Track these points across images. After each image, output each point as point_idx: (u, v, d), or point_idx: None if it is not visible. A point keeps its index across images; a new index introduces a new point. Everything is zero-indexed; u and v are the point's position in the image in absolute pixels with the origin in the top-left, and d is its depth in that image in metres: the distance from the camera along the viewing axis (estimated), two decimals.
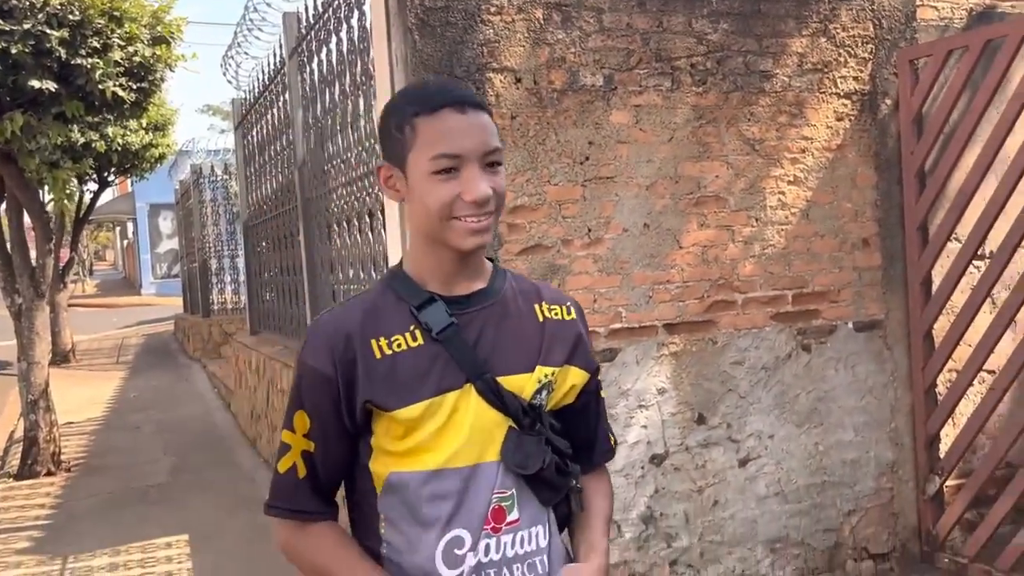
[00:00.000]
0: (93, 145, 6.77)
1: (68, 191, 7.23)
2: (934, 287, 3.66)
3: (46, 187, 7.33)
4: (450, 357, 1.27)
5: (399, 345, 1.28)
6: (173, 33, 6.44)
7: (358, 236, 4.26)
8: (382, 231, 3.70)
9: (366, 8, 3.77)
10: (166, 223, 26.10)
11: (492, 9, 3.04)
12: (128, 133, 8.20)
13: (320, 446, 1.29)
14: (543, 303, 1.40)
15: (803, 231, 3.52)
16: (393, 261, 3.29)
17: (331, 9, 4.41)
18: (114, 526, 5.17)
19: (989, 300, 3.68)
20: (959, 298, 3.60)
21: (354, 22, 4.05)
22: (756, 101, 3.43)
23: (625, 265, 3.25)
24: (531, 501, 1.31)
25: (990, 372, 3.70)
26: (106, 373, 12.29)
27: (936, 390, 3.70)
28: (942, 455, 3.68)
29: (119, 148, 8.14)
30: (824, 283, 3.57)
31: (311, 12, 4.80)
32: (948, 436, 3.71)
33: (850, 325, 3.61)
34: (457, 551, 1.26)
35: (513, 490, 1.29)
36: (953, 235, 3.59)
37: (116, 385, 11.22)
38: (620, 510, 3.21)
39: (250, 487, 5.86)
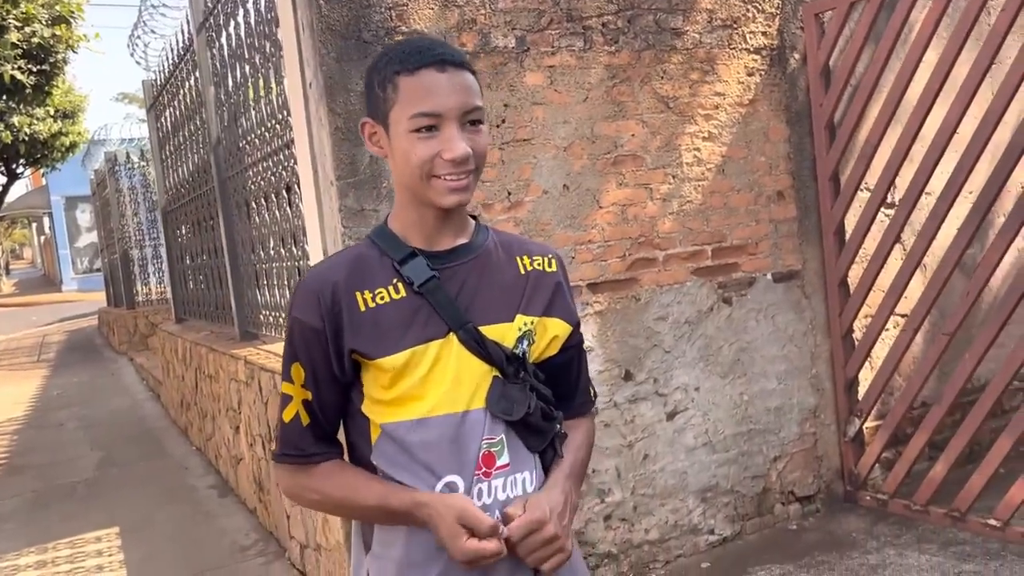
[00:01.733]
0: None
1: None
2: (847, 236, 3.77)
3: None
4: (432, 309, 1.31)
5: (382, 298, 1.32)
6: (73, 12, 6.19)
7: (276, 212, 4.17)
8: (299, 204, 3.63)
9: None
10: (84, 216, 25.22)
11: None
12: (35, 121, 7.88)
13: (316, 394, 1.34)
14: (525, 255, 1.43)
15: (719, 186, 3.58)
16: (311, 235, 3.23)
17: None
18: (40, 524, 5.01)
19: (899, 246, 3.81)
20: (871, 245, 3.71)
21: None
22: (668, 59, 3.46)
23: (546, 227, 3.26)
24: (519, 447, 1.35)
25: (903, 315, 3.83)
26: (26, 372, 11.86)
27: (853, 335, 3.82)
28: (861, 397, 3.81)
29: (26, 138, 7.82)
30: (742, 236, 3.64)
31: None
32: (866, 379, 3.84)
33: (769, 276, 3.70)
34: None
35: (502, 436, 1.33)
36: (863, 184, 3.70)
37: (38, 384, 10.84)
38: None
39: (182, 476, 5.74)
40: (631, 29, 3.39)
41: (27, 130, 7.64)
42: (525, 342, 1.37)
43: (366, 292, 1.32)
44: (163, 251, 8.51)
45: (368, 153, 2.93)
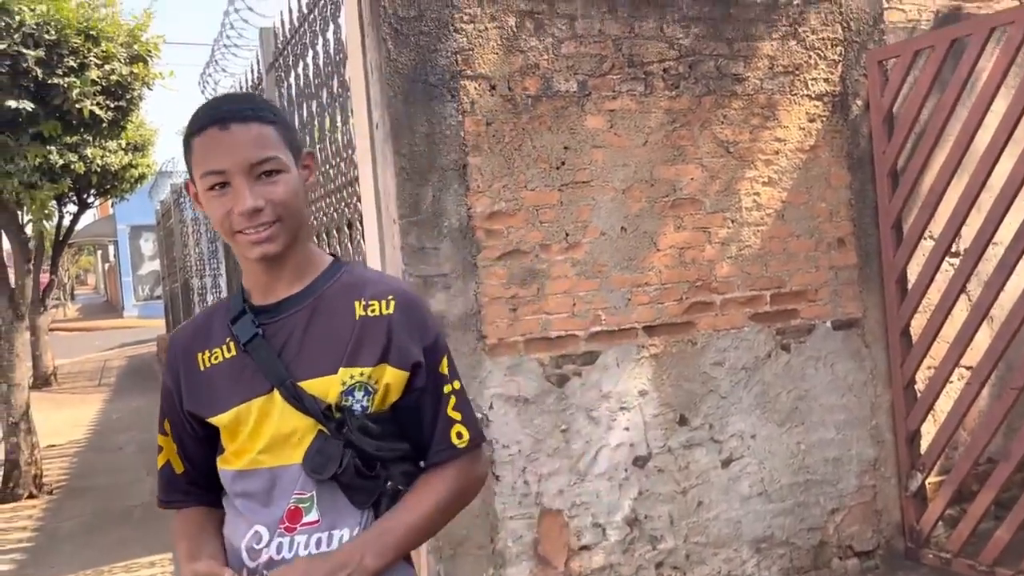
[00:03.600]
0: (72, 166, 6.75)
1: (47, 212, 7.21)
2: (910, 284, 3.70)
3: (24, 208, 7.30)
4: (257, 366, 1.35)
5: (216, 358, 1.39)
6: (150, 51, 6.44)
7: (338, 247, 4.25)
8: (361, 241, 3.71)
9: (341, 21, 3.79)
10: (147, 244, 25.96)
11: (465, 18, 3.07)
12: (107, 154, 8.16)
13: (180, 446, 1.45)
14: (363, 299, 1.37)
15: (779, 231, 3.56)
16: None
17: (307, 23, 4.43)
18: (97, 547, 5.12)
19: (964, 296, 3.73)
20: (934, 295, 3.64)
21: (330, 35, 4.06)
22: (728, 104, 3.47)
23: (603, 268, 3.27)
24: (338, 503, 1.33)
25: (968, 368, 3.73)
26: (88, 395, 12.18)
27: (915, 386, 3.73)
28: (923, 451, 3.71)
29: (98, 169, 8.11)
30: (801, 283, 3.60)
31: (287, 27, 4.81)
32: (928, 432, 3.73)
33: (828, 324, 3.64)
34: (256, 545, 1.34)
35: (313, 492, 1.32)
36: (927, 233, 3.64)
37: (98, 407, 11.12)
38: (604, 513, 3.22)
39: None
40: (692, 75, 3.41)
41: (99, 162, 7.91)
42: (360, 393, 1.33)
43: (205, 352, 1.39)
44: (222, 281, 8.73)
45: (431, 192, 2.99)
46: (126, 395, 11.96)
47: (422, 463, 1.41)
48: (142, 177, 10.99)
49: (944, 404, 3.71)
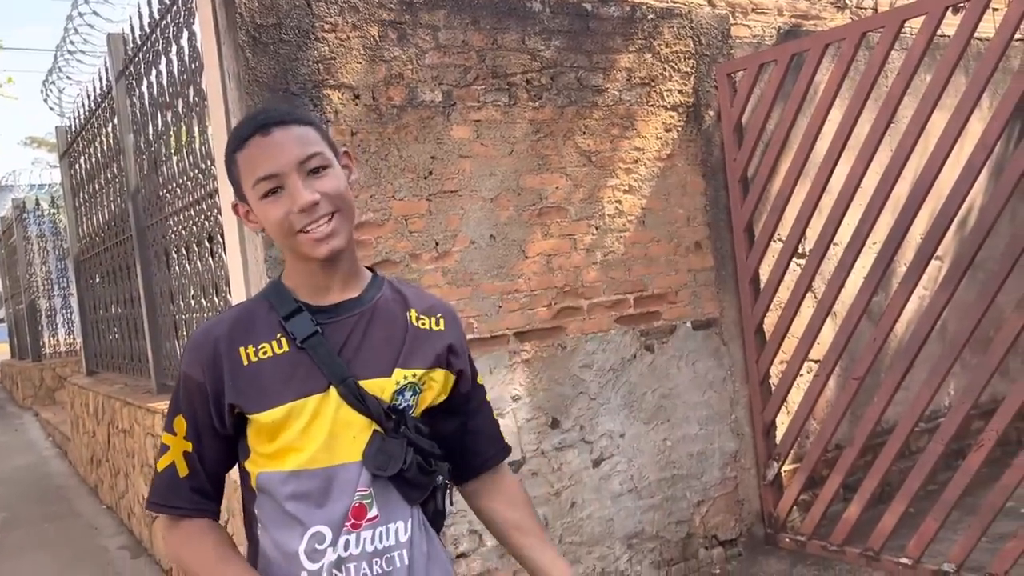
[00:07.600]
0: None
1: None
2: (762, 284, 3.92)
3: None
4: (313, 363, 1.33)
5: (265, 352, 1.34)
6: None
7: (198, 262, 4.10)
8: (223, 255, 3.59)
9: (196, 28, 3.66)
10: None
11: (326, 27, 3.03)
12: None
13: (197, 446, 1.36)
14: (413, 310, 1.45)
15: (640, 237, 3.69)
16: (235, 285, 3.20)
17: (159, 29, 4.26)
18: None
19: (811, 294, 3.98)
20: (784, 293, 3.86)
21: (184, 42, 3.92)
22: (590, 115, 3.58)
23: (474, 277, 3.30)
24: (392, 498, 1.36)
25: (815, 361, 3.99)
26: None
27: (770, 381, 3.95)
28: (778, 441, 3.93)
29: None
30: (662, 285, 3.75)
31: (138, 33, 4.61)
32: (783, 423, 3.96)
33: (688, 324, 3.81)
34: (318, 546, 1.31)
35: (372, 488, 1.34)
36: (776, 235, 3.86)
37: None
38: None
39: (92, 536, 5.48)
40: (554, 86, 3.49)
41: None
42: (408, 393, 1.38)
43: (249, 347, 1.34)
44: (74, 301, 8.23)
45: None
46: None
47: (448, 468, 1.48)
48: None
49: (796, 396, 3.95)
